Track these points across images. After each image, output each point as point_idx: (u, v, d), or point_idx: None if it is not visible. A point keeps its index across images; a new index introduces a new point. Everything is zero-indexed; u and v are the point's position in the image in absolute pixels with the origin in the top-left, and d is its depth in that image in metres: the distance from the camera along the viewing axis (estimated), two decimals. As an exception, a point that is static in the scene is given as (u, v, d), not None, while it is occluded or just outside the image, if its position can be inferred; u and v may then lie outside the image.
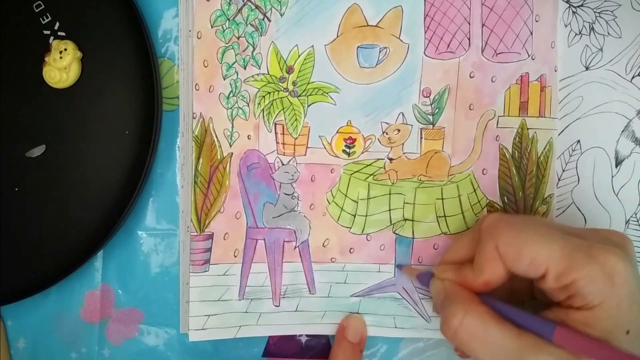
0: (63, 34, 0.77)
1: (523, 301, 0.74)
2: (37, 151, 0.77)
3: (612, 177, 0.80)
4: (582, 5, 0.80)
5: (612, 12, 0.80)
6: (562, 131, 0.80)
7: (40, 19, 0.76)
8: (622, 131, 0.80)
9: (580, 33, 0.80)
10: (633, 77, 0.80)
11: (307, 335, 0.82)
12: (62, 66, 0.75)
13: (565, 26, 0.80)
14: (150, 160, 0.77)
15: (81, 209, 0.77)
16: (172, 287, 0.81)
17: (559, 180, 0.80)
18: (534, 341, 0.61)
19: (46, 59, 0.76)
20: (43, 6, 0.76)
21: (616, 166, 0.80)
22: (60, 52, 0.75)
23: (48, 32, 0.77)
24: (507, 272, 0.66)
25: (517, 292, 0.73)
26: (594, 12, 0.80)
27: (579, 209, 0.80)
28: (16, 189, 0.77)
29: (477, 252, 0.68)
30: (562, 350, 0.60)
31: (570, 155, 0.80)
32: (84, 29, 0.77)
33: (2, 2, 0.76)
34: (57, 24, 0.77)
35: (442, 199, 0.79)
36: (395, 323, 0.79)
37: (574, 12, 0.80)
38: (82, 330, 0.82)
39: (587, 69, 0.80)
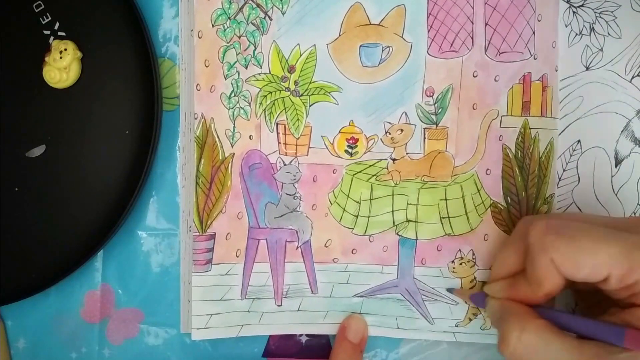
0: (63, 34, 0.76)
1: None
2: (37, 151, 0.77)
3: (612, 176, 0.80)
4: (582, 6, 0.80)
5: (612, 12, 0.80)
6: (562, 131, 0.80)
7: (40, 19, 0.76)
8: (622, 131, 0.80)
9: (580, 33, 0.80)
10: (633, 78, 0.80)
11: (307, 335, 0.82)
12: (62, 66, 0.75)
13: (566, 26, 0.80)
14: (150, 160, 0.77)
15: (81, 209, 0.77)
16: (173, 287, 0.81)
17: (560, 180, 0.80)
18: (596, 350, 0.60)
19: (46, 59, 0.76)
20: (43, 6, 0.76)
21: (616, 166, 0.80)
22: (60, 52, 0.75)
23: (48, 32, 0.77)
24: (566, 281, 0.64)
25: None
26: (594, 12, 0.80)
27: (579, 209, 0.81)
28: (16, 189, 0.77)
29: (530, 266, 0.66)
30: (628, 355, 0.59)
31: (571, 155, 0.80)
32: (84, 29, 0.77)
33: (2, 2, 0.76)
34: (57, 24, 0.76)
35: (446, 199, 0.78)
36: (398, 324, 0.79)
37: (574, 13, 0.80)
38: (82, 330, 0.82)
39: (587, 69, 0.80)
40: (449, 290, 0.79)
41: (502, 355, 0.65)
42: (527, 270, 0.67)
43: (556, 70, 0.79)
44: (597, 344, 0.61)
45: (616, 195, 0.80)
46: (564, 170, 0.80)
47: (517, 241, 0.70)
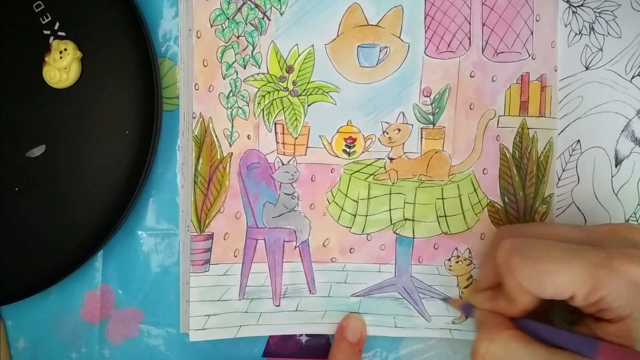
0: (63, 34, 0.77)
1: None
2: (37, 151, 0.77)
3: (612, 176, 0.80)
4: (582, 5, 0.80)
5: (612, 12, 0.80)
6: (562, 131, 0.80)
7: (40, 19, 0.76)
8: (622, 131, 0.80)
9: (580, 33, 0.80)
10: (633, 77, 0.80)
11: (307, 335, 0.82)
12: (62, 66, 0.75)
13: (565, 26, 0.80)
14: (150, 160, 0.77)
15: (81, 209, 0.77)
16: (172, 287, 0.81)
17: (559, 180, 0.80)
18: (568, 358, 0.61)
19: (46, 59, 0.76)
20: (43, 6, 0.76)
21: (616, 166, 0.80)
22: (60, 52, 0.75)
23: (48, 32, 0.77)
24: (537, 298, 0.65)
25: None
26: (594, 12, 0.80)
27: (578, 209, 0.80)
28: (16, 189, 0.77)
29: (503, 284, 0.67)
30: None
31: (570, 155, 0.80)
32: (84, 29, 0.77)
33: (2, 2, 0.76)
34: (57, 24, 0.76)
35: (443, 198, 0.79)
36: (396, 323, 0.79)
37: (574, 12, 0.80)
38: (82, 330, 0.82)
39: (587, 68, 0.80)
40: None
41: None
42: (502, 286, 0.68)
43: (555, 70, 0.79)
44: (567, 355, 0.62)
45: (616, 195, 0.80)
46: (563, 170, 0.80)
47: (492, 259, 0.70)
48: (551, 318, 0.74)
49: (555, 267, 0.62)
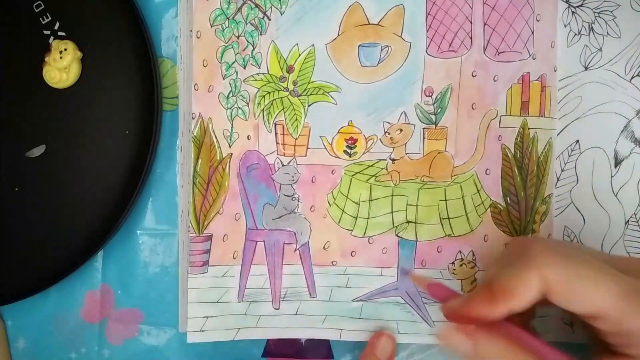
0: (63, 34, 0.77)
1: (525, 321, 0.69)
2: (37, 151, 0.77)
3: (612, 177, 0.80)
4: (581, 6, 0.79)
5: (611, 12, 0.80)
6: (561, 131, 0.80)
7: (40, 19, 0.76)
8: (622, 131, 0.80)
9: (579, 33, 0.80)
10: (632, 77, 0.80)
11: (307, 335, 0.82)
12: (62, 66, 0.75)
13: (565, 26, 0.79)
14: (150, 160, 0.78)
15: (81, 209, 0.78)
16: (172, 287, 0.81)
17: (558, 180, 0.80)
18: None
19: (46, 59, 0.76)
20: (43, 6, 0.77)
21: (615, 166, 0.80)
22: (60, 52, 0.75)
23: (48, 32, 0.77)
24: (534, 302, 0.60)
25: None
26: (594, 12, 0.80)
27: (577, 209, 0.80)
28: (16, 189, 0.77)
29: (505, 275, 0.61)
30: None
31: (569, 155, 0.80)
32: (84, 29, 0.77)
33: (2, 2, 0.76)
34: (57, 24, 0.77)
35: (446, 200, 0.78)
36: (399, 328, 0.79)
37: (573, 12, 0.80)
38: (82, 330, 0.82)
39: (586, 69, 0.80)
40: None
41: None
42: (496, 281, 0.61)
43: (555, 70, 0.79)
44: None
45: (616, 196, 0.80)
46: (562, 171, 0.80)
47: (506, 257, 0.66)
48: (533, 327, 0.71)
49: (594, 276, 0.57)
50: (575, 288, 0.57)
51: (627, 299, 0.56)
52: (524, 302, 0.59)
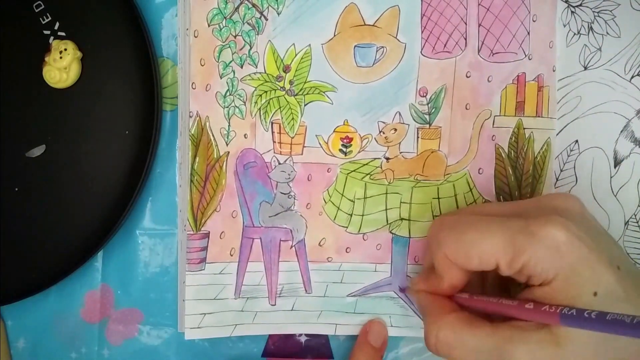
0: (63, 34, 0.77)
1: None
2: (37, 151, 0.77)
3: (611, 177, 0.80)
4: (580, 5, 0.79)
5: (611, 11, 0.79)
6: (560, 131, 0.79)
7: (40, 19, 0.77)
8: (621, 131, 0.80)
9: (578, 33, 0.80)
10: (632, 77, 0.79)
11: (306, 335, 0.82)
12: (62, 66, 0.76)
13: (564, 26, 0.79)
14: (150, 160, 0.78)
15: (81, 209, 0.78)
16: (172, 287, 0.81)
17: (557, 180, 0.80)
18: (509, 333, 0.61)
19: (46, 59, 0.76)
20: (43, 6, 0.77)
21: (615, 166, 0.80)
22: (60, 52, 0.76)
23: (48, 32, 0.77)
24: (466, 272, 0.67)
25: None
26: (593, 11, 0.79)
27: (577, 209, 0.80)
28: (16, 189, 0.77)
29: (434, 261, 0.69)
30: (538, 335, 0.60)
31: (569, 155, 0.80)
32: (84, 29, 0.77)
33: (2, 2, 0.77)
34: (57, 24, 0.77)
35: (439, 198, 0.79)
36: (391, 322, 0.79)
37: (572, 12, 0.79)
38: (82, 331, 0.82)
39: (585, 68, 0.80)
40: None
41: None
42: (434, 263, 0.69)
43: (553, 70, 0.79)
44: (509, 326, 0.62)
45: (615, 196, 0.80)
46: (561, 171, 0.80)
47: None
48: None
49: (479, 237, 0.63)
50: (467, 252, 0.64)
51: (510, 243, 0.61)
52: (456, 278, 0.68)
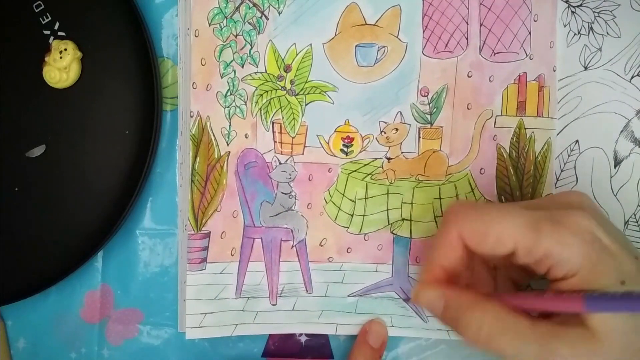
0: (63, 34, 0.77)
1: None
2: (37, 151, 0.77)
3: (611, 177, 0.80)
4: (581, 5, 0.79)
5: (611, 12, 0.79)
6: (560, 131, 0.79)
7: (40, 19, 0.77)
8: (621, 131, 0.80)
9: (579, 33, 0.80)
10: (632, 77, 0.79)
11: (306, 335, 0.82)
12: (62, 66, 0.76)
13: (564, 26, 0.79)
14: (150, 160, 0.78)
15: (81, 209, 0.78)
16: (172, 287, 0.81)
17: (558, 180, 0.80)
18: (551, 327, 0.61)
19: (46, 59, 0.76)
20: (43, 6, 0.77)
21: (615, 166, 0.80)
22: (60, 52, 0.76)
23: (48, 32, 0.77)
24: (465, 259, 0.66)
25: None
26: (593, 12, 0.79)
27: (577, 209, 0.80)
28: (16, 189, 0.77)
29: (436, 237, 0.68)
30: (576, 331, 0.59)
31: (569, 155, 0.80)
32: (84, 29, 0.77)
33: (2, 2, 0.77)
34: (57, 24, 0.77)
35: (440, 198, 0.78)
36: (392, 322, 0.79)
37: (573, 12, 0.79)
38: (82, 331, 0.82)
39: (586, 68, 0.79)
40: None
41: (469, 345, 0.65)
42: (434, 244, 0.68)
43: (554, 70, 0.79)
44: (549, 321, 0.62)
45: (615, 196, 0.80)
46: (562, 171, 0.80)
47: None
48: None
49: (501, 216, 0.62)
50: (487, 230, 0.63)
51: (534, 226, 0.61)
52: (450, 258, 0.66)
